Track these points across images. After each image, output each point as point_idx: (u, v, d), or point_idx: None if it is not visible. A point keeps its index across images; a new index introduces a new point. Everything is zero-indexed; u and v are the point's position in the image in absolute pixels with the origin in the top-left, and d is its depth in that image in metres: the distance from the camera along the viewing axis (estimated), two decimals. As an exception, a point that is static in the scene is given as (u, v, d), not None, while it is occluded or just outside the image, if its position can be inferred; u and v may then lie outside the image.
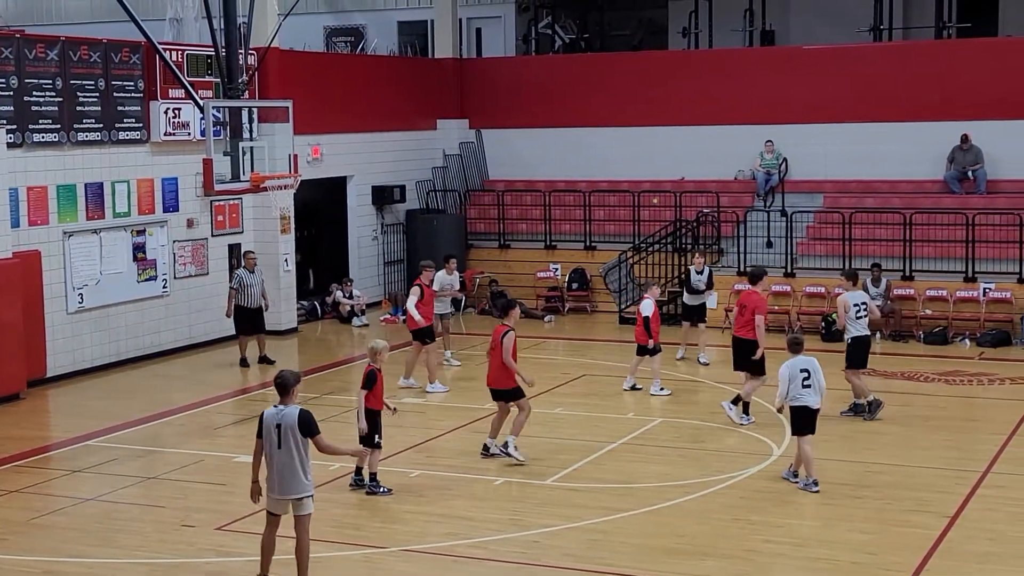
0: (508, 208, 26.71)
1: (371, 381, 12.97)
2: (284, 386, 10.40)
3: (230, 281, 20.66)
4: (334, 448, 10.85)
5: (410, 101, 27.00)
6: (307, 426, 10.32)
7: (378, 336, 23.06)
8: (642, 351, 17.75)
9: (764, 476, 13.79)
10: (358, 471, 13.32)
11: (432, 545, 11.68)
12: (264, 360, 20.25)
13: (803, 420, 13.17)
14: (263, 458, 10.44)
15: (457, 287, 20.56)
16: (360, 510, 12.83)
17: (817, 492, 12.98)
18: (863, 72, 25.14)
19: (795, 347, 13.39)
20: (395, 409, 13.56)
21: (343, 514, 12.70)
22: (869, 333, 16.52)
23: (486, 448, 14.56)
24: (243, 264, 20.48)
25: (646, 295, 17.89)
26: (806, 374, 13.13)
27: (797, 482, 13.22)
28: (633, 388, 17.88)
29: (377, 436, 13.10)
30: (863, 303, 16.06)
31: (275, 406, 10.47)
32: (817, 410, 13.23)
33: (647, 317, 17.47)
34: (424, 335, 18.11)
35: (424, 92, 27.33)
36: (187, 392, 18.48)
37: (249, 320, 20.24)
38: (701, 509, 12.62)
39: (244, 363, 20.14)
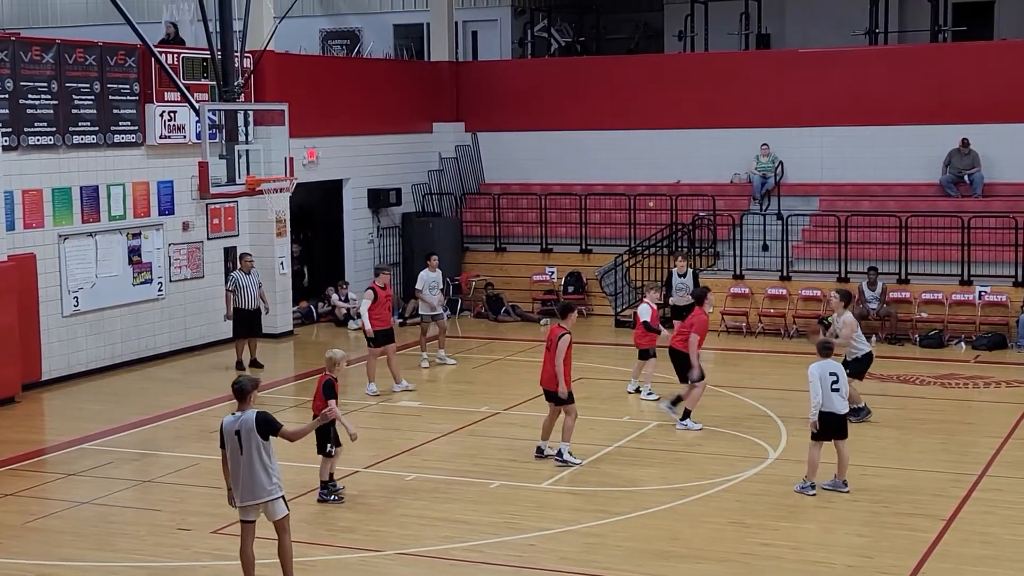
0: (504, 211, 26.71)
1: (332, 390, 12.74)
2: (242, 391, 10.37)
3: (226, 283, 20.63)
4: (301, 431, 10.77)
5: (406, 104, 27.00)
6: (266, 426, 10.27)
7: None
8: (644, 355, 17.64)
9: (760, 479, 13.78)
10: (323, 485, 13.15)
11: (428, 548, 11.66)
12: (254, 364, 20.25)
13: (829, 425, 13.04)
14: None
15: (440, 285, 20.48)
16: (355, 513, 12.81)
17: (813, 496, 12.98)
18: (858, 75, 25.17)
19: (824, 351, 13.24)
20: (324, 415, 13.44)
21: (338, 517, 12.68)
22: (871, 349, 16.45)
23: (540, 450, 14.58)
24: (239, 266, 20.48)
25: (645, 299, 17.82)
26: (835, 378, 13.00)
27: (847, 490, 13.09)
28: (637, 391, 17.81)
29: (329, 444, 12.91)
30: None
31: (232, 413, 10.40)
32: (845, 415, 13.17)
33: (645, 321, 17.39)
34: (379, 340, 18.00)
35: (420, 95, 27.33)
36: (182, 395, 18.46)
37: (245, 322, 20.22)
38: (697, 513, 12.61)
39: (240, 367, 20.11)
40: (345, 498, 13.14)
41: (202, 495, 13.48)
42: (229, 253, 22.52)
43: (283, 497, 10.41)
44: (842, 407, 13.13)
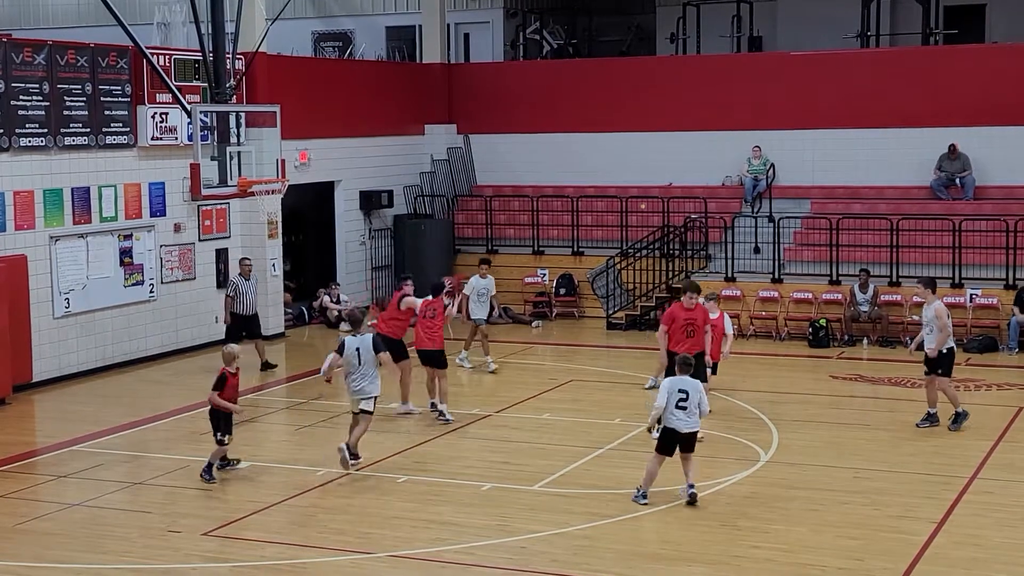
0: (496, 213, 26.72)
1: (222, 383, 13.93)
2: (355, 320, 14.88)
3: (226, 288, 20.48)
4: (392, 364, 14.64)
5: (398, 106, 27.00)
6: (376, 345, 14.25)
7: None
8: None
9: (752, 482, 13.79)
10: (208, 467, 14.00)
11: (419, 551, 11.65)
12: (267, 366, 20.20)
13: (672, 440, 12.77)
14: (343, 371, 14.22)
15: (492, 291, 20.29)
16: (346, 515, 12.80)
17: (645, 504, 12.74)
18: (850, 78, 25.21)
19: (685, 367, 12.90)
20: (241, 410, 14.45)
21: (330, 519, 12.67)
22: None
23: (433, 406, 15.91)
24: (239, 271, 20.35)
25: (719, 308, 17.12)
26: (683, 395, 12.65)
27: (692, 491, 12.81)
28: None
29: (220, 433, 13.91)
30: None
31: (351, 335, 14.42)
32: (689, 432, 12.77)
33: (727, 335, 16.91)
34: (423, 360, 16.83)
35: (412, 97, 27.33)
36: (174, 397, 18.43)
37: (244, 327, 20.06)
38: (688, 515, 12.61)
39: (267, 367, 20.15)
40: (210, 479, 13.87)
41: (193, 497, 13.46)
42: (221, 255, 22.50)
43: (376, 397, 14.31)
44: (684, 425, 12.66)
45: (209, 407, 14.06)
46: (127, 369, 20.45)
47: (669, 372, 14.57)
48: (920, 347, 16.07)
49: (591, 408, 17.39)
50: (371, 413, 14.30)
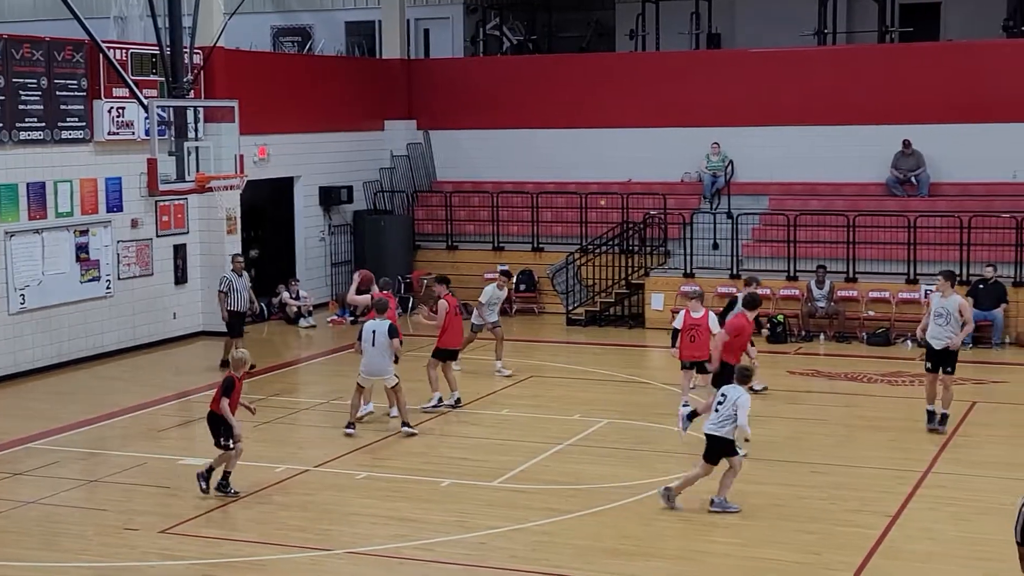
0: (456, 209, 26.70)
1: (230, 389, 13.21)
2: (381, 308, 15.63)
3: (218, 284, 20.11)
4: (397, 346, 15.50)
5: (358, 102, 26.92)
6: (392, 331, 15.36)
7: (326, 338, 23.04)
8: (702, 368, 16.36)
9: (710, 477, 13.83)
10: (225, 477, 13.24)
11: (378, 547, 11.64)
12: (225, 364, 19.87)
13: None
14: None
15: (503, 299, 20.12)
16: (305, 512, 12.76)
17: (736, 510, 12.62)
18: (807, 75, 25.39)
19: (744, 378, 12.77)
20: (254, 410, 14.24)
21: (288, 516, 12.63)
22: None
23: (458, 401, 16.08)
24: (231, 267, 20.09)
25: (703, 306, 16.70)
26: (722, 399, 12.54)
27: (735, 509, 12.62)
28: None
29: (223, 439, 13.19)
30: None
31: (371, 319, 15.56)
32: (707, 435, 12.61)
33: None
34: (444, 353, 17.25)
35: (372, 93, 27.26)
36: (131, 394, 18.31)
37: (239, 323, 19.80)
38: (647, 510, 12.67)
39: (226, 365, 19.69)
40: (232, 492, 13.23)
41: (150, 495, 13.38)
42: (179, 251, 22.36)
43: (396, 374, 15.41)
44: (707, 426, 12.54)
45: (209, 412, 13.31)
46: (83, 366, 20.29)
47: (719, 380, 14.24)
48: (924, 338, 15.66)
49: (550, 404, 17.43)
50: (398, 380, 15.60)
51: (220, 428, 13.18)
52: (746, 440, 12.83)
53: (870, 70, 25.07)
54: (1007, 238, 22.10)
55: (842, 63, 25.51)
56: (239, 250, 23.18)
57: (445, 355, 17.28)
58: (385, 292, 17.23)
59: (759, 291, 17.20)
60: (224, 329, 20.02)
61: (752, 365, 14.54)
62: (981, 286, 21.31)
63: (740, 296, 16.95)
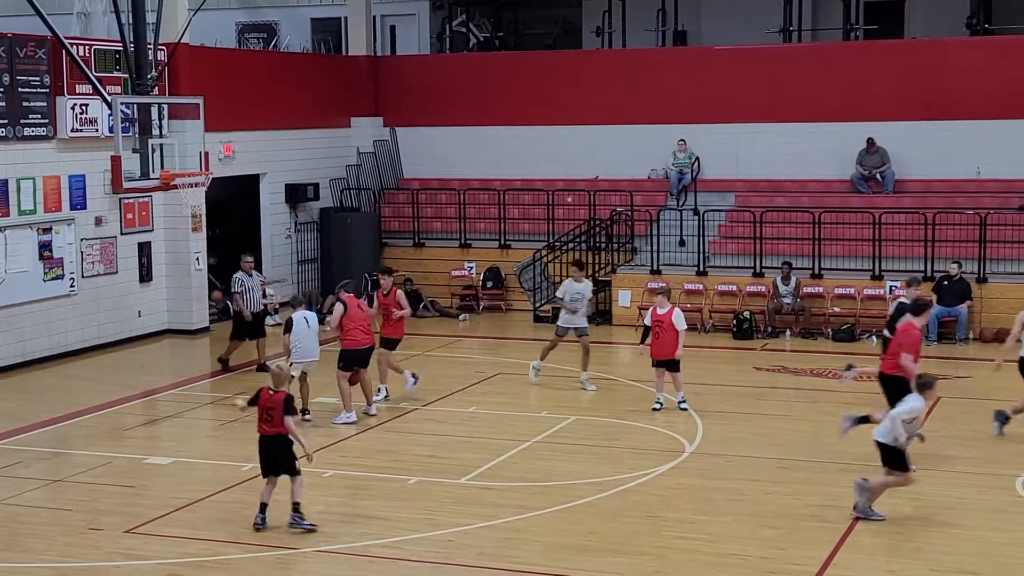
0: (423, 206, 26.66)
1: (291, 405, 12.05)
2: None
3: (231, 285, 19.70)
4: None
5: (324, 98, 26.83)
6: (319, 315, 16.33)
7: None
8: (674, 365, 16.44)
9: (676, 473, 13.92)
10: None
11: (346, 545, 11.61)
12: (262, 368, 18.91)
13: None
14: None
15: (589, 296, 18.44)
16: (272, 510, 12.68)
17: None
18: (773, 73, 25.50)
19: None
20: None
21: (254, 515, 12.53)
22: None
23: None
24: (241, 268, 19.74)
25: (670, 302, 16.69)
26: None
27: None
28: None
29: (289, 463, 12.09)
30: None
31: (306, 308, 16.32)
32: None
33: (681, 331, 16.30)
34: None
35: (338, 89, 27.17)
36: (95, 393, 18.18)
37: (248, 325, 19.39)
38: (614, 507, 12.70)
39: (223, 363, 19.43)
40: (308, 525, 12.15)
41: (115, 494, 13.29)
42: (144, 248, 22.22)
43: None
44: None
45: (264, 437, 11.95)
46: (47, 365, 20.12)
47: (893, 391, 13.71)
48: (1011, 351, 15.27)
49: (518, 401, 17.44)
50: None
51: (279, 452, 11.92)
52: (900, 440, 12.26)
53: (835, 67, 25.22)
54: (971, 234, 22.27)
55: (807, 60, 25.65)
56: (204, 248, 23.06)
57: (386, 345, 17.14)
58: (348, 295, 16.87)
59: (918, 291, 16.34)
60: (214, 329, 19.80)
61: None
62: (946, 283, 21.47)
63: (902, 297, 16.49)
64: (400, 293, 17.41)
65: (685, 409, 16.37)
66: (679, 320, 16.36)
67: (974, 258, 22.06)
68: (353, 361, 16.17)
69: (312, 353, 16.20)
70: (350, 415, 16.12)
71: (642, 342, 16.84)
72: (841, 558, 11.25)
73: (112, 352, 21.21)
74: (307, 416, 16.04)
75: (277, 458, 11.94)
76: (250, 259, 20.00)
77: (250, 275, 19.51)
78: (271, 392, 11.96)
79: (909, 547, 11.53)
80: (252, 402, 12.18)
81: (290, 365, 14.52)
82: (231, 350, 19.67)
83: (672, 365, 16.43)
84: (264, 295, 24.08)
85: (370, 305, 17.07)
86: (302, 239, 26.06)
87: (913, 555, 11.33)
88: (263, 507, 11.98)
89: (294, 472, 11.94)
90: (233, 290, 19.62)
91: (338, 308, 16.20)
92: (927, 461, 14.33)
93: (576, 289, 17.95)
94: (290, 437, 11.88)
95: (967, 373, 19.12)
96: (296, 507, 11.94)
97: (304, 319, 16.14)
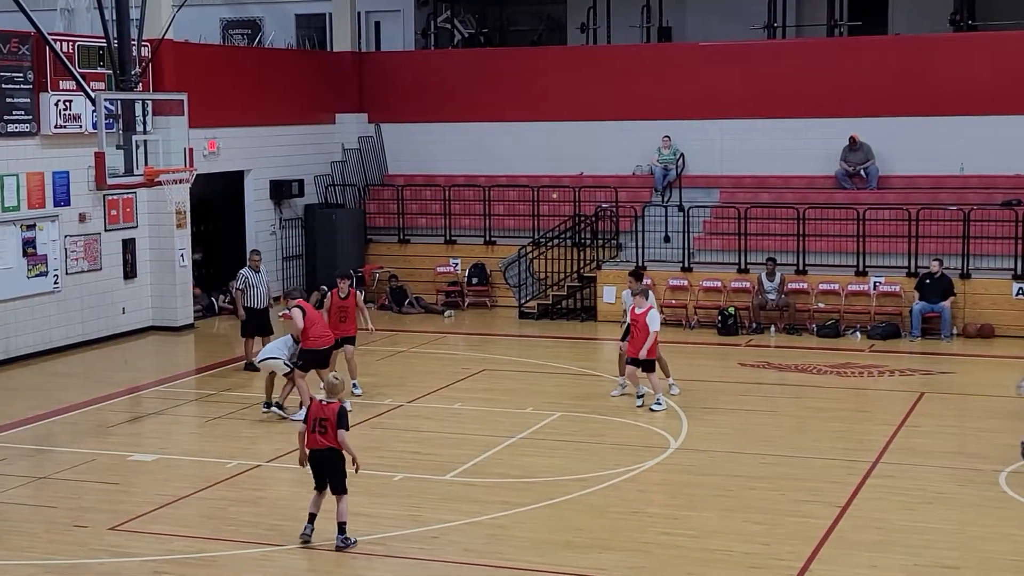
0: (408, 203, 26.64)
1: (346, 418, 11.48)
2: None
3: (235, 282, 19.54)
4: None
5: (308, 95, 26.78)
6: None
7: (276, 331, 22.87)
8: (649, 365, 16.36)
9: (661, 469, 13.95)
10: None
11: (330, 542, 11.59)
12: (249, 367, 18.87)
13: None
14: None
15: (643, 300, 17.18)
16: (257, 508, 12.71)
17: None
18: (757, 69, 25.54)
19: None
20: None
21: (240, 512, 12.56)
22: None
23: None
24: (248, 264, 19.60)
25: (648, 302, 16.56)
26: None
27: None
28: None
29: (340, 479, 11.53)
30: None
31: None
32: None
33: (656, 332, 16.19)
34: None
35: (322, 86, 27.13)
36: (79, 390, 18.13)
37: (255, 321, 19.08)
38: (599, 503, 12.72)
39: (250, 367, 18.78)
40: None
41: (99, 491, 13.26)
42: (128, 245, 22.16)
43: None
44: None
45: (317, 452, 11.40)
46: (31, 362, 20.06)
47: None
48: None
49: (503, 397, 17.45)
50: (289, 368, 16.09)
51: (332, 467, 11.44)
52: None
53: (819, 64, 25.27)
54: (954, 230, 22.35)
55: (792, 57, 25.70)
56: (188, 244, 23.03)
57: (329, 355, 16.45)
58: (299, 300, 16.71)
59: None
60: (198, 326, 19.66)
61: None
62: (928, 280, 21.54)
63: None
64: (359, 295, 17.40)
65: (654, 411, 16.18)
66: (652, 321, 16.29)
67: (957, 254, 22.13)
68: (313, 362, 16.12)
69: (273, 351, 16.26)
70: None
71: (623, 339, 16.92)
72: (825, 553, 11.29)
73: (96, 349, 21.16)
74: (273, 410, 16.12)
75: (329, 473, 11.42)
76: (258, 255, 19.79)
77: (257, 271, 19.33)
78: (324, 403, 11.51)
79: (892, 542, 11.58)
80: (305, 418, 11.58)
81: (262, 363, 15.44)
82: (248, 350, 19.16)
83: (645, 365, 16.41)
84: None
85: (320, 307, 16.97)
86: (287, 235, 26.02)
87: (896, 550, 11.38)
88: (312, 518, 11.52)
89: (343, 491, 11.43)
90: (236, 287, 19.45)
91: (297, 314, 16.00)
92: (911, 456, 14.41)
93: (635, 303, 16.84)
94: (343, 452, 11.41)
95: (950, 369, 19.20)
96: (342, 528, 11.40)
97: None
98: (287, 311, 16.36)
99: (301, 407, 15.84)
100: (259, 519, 12.33)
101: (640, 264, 23.57)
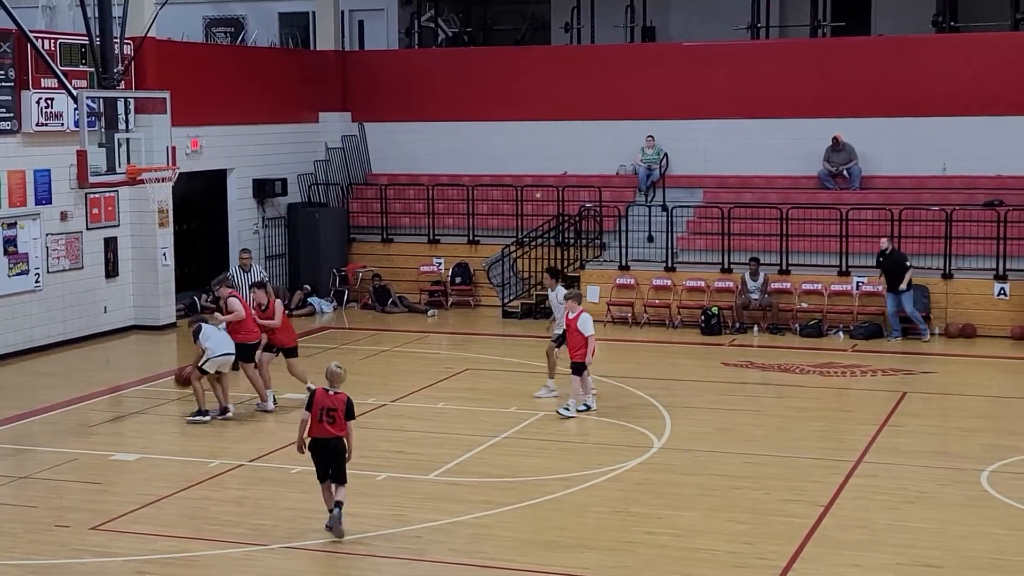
0: (391, 202, 26.60)
1: (352, 409, 11.68)
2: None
3: (222, 280, 19.51)
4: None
5: (291, 93, 26.71)
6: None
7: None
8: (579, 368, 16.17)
9: (644, 468, 13.95)
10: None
11: (314, 542, 11.57)
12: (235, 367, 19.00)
13: None
14: None
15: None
16: (239, 507, 12.67)
17: None
18: (741, 69, 25.58)
19: None
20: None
21: (222, 512, 12.52)
22: None
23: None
24: (238, 263, 19.43)
25: (580, 306, 16.37)
26: None
27: None
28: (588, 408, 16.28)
29: (340, 469, 11.77)
30: None
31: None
32: None
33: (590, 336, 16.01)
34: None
35: (306, 84, 27.07)
36: (60, 389, 18.04)
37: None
38: (582, 502, 12.71)
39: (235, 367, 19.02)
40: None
41: (81, 491, 13.19)
42: (110, 243, 22.07)
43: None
44: None
45: (320, 440, 11.60)
46: (12, 361, 19.96)
47: None
48: None
49: (486, 397, 17.43)
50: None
51: (335, 456, 11.61)
52: None
53: (802, 64, 25.33)
54: (937, 230, 22.42)
55: (775, 57, 25.75)
56: (171, 243, 22.92)
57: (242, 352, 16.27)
58: (232, 291, 16.54)
59: None
60: (180, 325, 19.46)
61: None
62: (881, 259, 21.60)
63: None
64: (279, 303, 16.81)
65: (561, 414, 16.02)
66: (585, 325, 16.05)
67: (940, 254, 22.21)
68: (245, 356, 16.15)
69: (227, 346, 15.91)
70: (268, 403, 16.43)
71: (558, 345, 16.71)
72: (809, 552, 11.30)
73: (78, 348, 21.06)
74: (228, 415, 16.00)
75: (333, 462, 11.55)
76: (247, 254, 19.70)
77: (247, 271, 19.23)
78: (330, 392, 11.56)
79: (875, 541, 11.60)
80: (308, 406, 11.66)
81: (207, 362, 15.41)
82: None
83: (574, 368, 16.16)
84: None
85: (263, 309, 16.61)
86: (270, 234, 25.95)
87: (879, 549, 11.40)
88: (332, 505, 11.66)
89: (345, 480, 11.64)
90: (224, 286, 19.28)
91: (236, 304, 16.09)
92: (893, 455, 14.45)
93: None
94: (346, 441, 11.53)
95: (932, 368, 19.26)
96: (340, 504, 11.60)
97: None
98: (224, 301, 16.29)
99: (264, 400, 16.33)
100: (242, 519, 12.29)
101: (623, 264, 23.61)
